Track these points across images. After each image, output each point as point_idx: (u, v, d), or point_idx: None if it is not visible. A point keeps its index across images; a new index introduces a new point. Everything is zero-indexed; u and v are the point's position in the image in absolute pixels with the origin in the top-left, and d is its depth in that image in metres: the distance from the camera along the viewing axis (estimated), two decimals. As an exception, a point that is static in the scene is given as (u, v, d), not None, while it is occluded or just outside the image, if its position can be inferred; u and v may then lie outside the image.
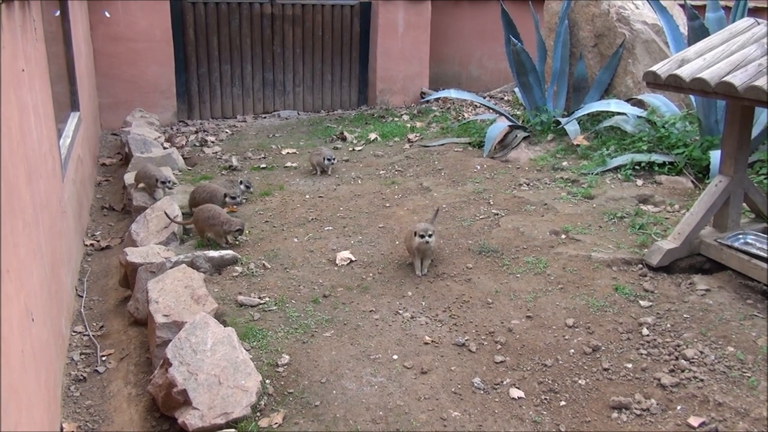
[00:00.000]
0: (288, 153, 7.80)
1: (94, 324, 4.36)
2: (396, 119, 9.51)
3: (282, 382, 3.37)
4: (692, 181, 5.75)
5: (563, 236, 4.91)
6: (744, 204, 4.49)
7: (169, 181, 5.86)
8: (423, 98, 10.48)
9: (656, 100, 6.71)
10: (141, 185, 5.93)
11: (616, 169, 6.10)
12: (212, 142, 8.36)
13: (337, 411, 3.15)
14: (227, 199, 5.52)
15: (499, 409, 3.18)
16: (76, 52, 6.36)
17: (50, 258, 3.62)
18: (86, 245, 5.49)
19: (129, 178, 6.20)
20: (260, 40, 9.75)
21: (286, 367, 3.50)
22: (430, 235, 4.34)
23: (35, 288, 3.00)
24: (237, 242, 5.04)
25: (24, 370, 2.49)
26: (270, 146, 8.15)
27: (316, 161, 6.85)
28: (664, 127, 6.25)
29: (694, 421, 2.99)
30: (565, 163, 6.47)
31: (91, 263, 5.22)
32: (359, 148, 7.94)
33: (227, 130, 9.03)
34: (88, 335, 4.21)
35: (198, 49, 9.39)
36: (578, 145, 6.69)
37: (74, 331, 4.24)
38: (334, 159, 6.83)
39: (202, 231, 5.03)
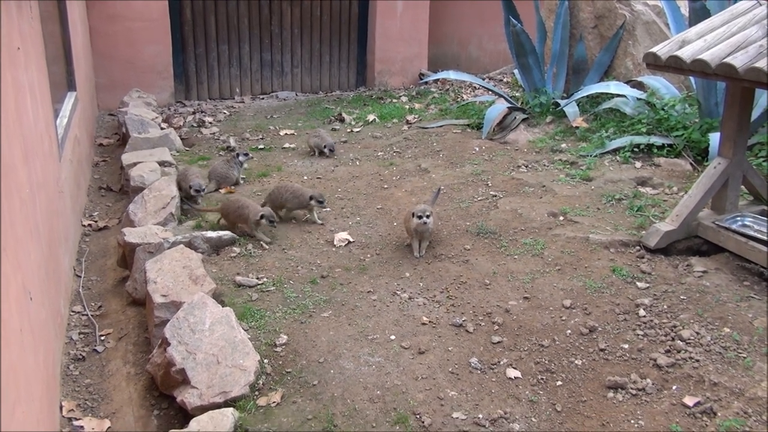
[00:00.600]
0: (286, 134, 7.78)
1: (93, 304, 4.37)
2: (394, 100, 9.46)
3: (280, 362, 3.39)
4: (691, 164, 5.74)
5: (561, 218, 4.91)
6: (742, 186, 4.49)
7: (201, 189, 5.52)
8: (422, 79, 10.42)
9: (656, 82, 6.68)
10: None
11: (615, 151, 6.09)
12: (210, 122, 8.32)
13: (335, 390, 3.17)
14: (312, 202, 5.07)
15: (496, 388, 3.20)
16: (72, 31, 6.30)
17: (48, 238, 3.61)
18: (84, 225, 5.49)
19: (127, 158, 6.17)
20: (258, 20, 9.67)
21: (284, 347, 3.51)
22: (428, 216, 4.34)
23: (33, 267, 3.00)
24: (272, 229, 4.79)
25: (22, 349, 2.50)
26: (268, 127, 8.11)
27: (314, 143, 6.83)
28: (663, 109, 6.23)
29: (689, 400, 3.02)
30: (563, 145, 6.46)
31: (89, 243, 5.22)
32: (357, 129, 7.91)
33: (225, 111, 8.98)
34: (87, 315, 4.22)
35: (195, 28, 9.32)
36: (577, 127, 6.67)
37: (73, 311, 4.24)
38: (333, 148, 6.77)
39: (234, 223, 4.87)
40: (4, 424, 2.05)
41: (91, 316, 4.21)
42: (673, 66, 4.02)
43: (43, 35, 4.49)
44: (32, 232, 3.10)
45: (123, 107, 7.83)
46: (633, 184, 5.46)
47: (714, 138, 5.44)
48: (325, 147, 6.74)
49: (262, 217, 4.68)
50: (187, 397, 3.04)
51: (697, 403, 3.00)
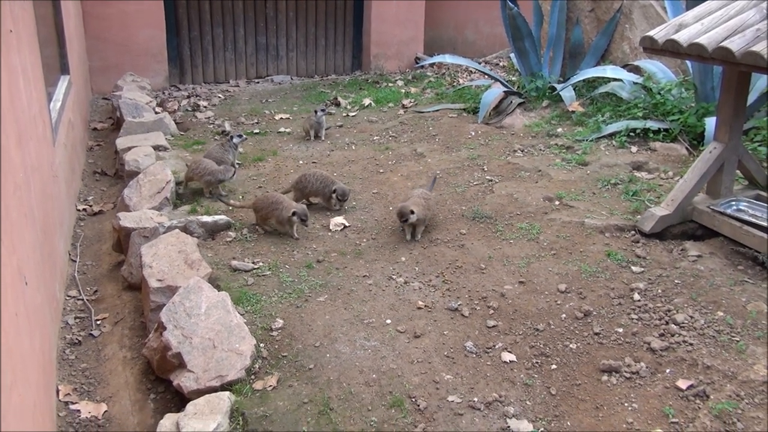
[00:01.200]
0: (281, 118, 7.74)
1: (88, 288, 4.36)
2: (390, 84, 9.42)
3: (276, 346, 3.40)
4: (687, 148, 5.74)
5: (557, 202, 4.92)
6: (738, 171, 4.50)
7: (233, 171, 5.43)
8: (417, 63, 10.37)
9: (653, 66, 6.66)
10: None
11: (611, 135, 6.09)
12: (205, 107, 8.28)
13: (331, 374, 3.18)
14: (334, 196, 4.98)
15: (491, 372, 3.22)
16: (65, 14, 6.24)
17: (42, 222, 3.60)
18: (79, 210, 5.47)
19: (121, 142, 6.14)
20: (253, 3, 9.58)
21: (280, 331, 3.52)
22: (412, 213, 4.36)
23: (28, 252, 2.99)
24: (305, 226, 4.64)
25: (18, 333, 2.50)
26: (263, 111, 8.08)
27: (309, 125, 6.81)
28: (659, 93, 6.22)
29: (682, 383, 3.04)
30: (559, 130, 6.45)
31: (84, 228, 5.21)
32: (353, 113, 7.88)
33: (220, 95, 8.93)
34: (83, 299, 4.22)
35: (190, 11, 9.23)
36: (573, 112, 6.65)
37: (68, 296, 4.24)
38: (323, 111, 6.87)
39: (266, 218, 4.69)
40: (1, 407, 2.06)
41: (87, 300, 4.21)
42: (669, 50, 4.01)
43: (36, 18, 4.44)
44: (27, 216, 3.09)
45: (117, 91, 7.78)
46: (629, 168, 5.46)
47: (710, 122, 5.44)
48: (316, 112, 6.80)
49: (294, 214, 4.53)
50: (184, 381, 3.05)
51: (690, 386, 3.02)
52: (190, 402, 2.89)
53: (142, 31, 8.80)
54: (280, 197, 4.68)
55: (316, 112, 6.79)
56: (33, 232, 3.23)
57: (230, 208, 5.04)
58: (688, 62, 6.27)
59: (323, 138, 6.82)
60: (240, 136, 6.08)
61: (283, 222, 4.58)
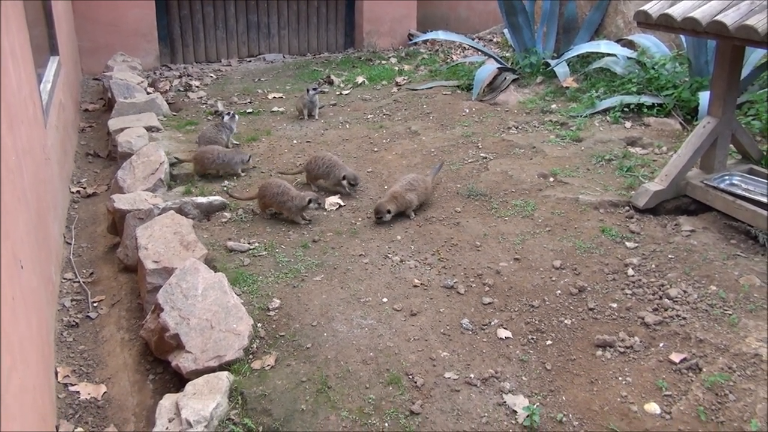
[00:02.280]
0: (274, 97, 7.70)
1: (84, 271, 4.37)
2: (383, 62, 9.36)
3: (273, 326, 3.42)
4: (680, 123, 5.74)
5: (551, 179, 4.92)
6: (731, 145, 4.51)
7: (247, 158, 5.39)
8: (411, 40, 10.29)
9: (646, 40, 6.63)
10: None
11: (605, 111, 6.08)
12: (197, 86, 8.22)
13: (329, 353, 3.21)
14: (344, 182, 4.90)
15: (487, 348, 3.25)
16: (53, -7, 6.15)
17: (36, 205, 3.59)
18: (72, 192, 5.45)
19: (113, 124, 6.10)
20: (243, -19, 9.48)
21: (277, 311, 3.54)
22: (388, 212, 4.42)
23: (22, 235, 2.98)
24: (320, 212, 4.62)
25: (15, 316, 2.50)
26: (256, 90, 8.02)
27: (302, 104, 6.77)
28: (653, 68, 6.20)
29: (675, 357, 3.08)
30: (554, 106, 6.43)
31: (78, 210, 5.19)
32: (346, 91, 7.83)
33: (212, 75, 8.86)
34: (79, 282, 4.22)
35: (179, -11, 9.12)
36: (567, 88, 6.63)
37: (64, 278, 4.24)
38: (316, 89, 6.81)
39: (268, 206, 4.61)
40: (1, 390, 2.07)
41: (83, 282, 4.21)
42: (663, 24, 3.99)
43: (23, -2, 4.38)
44: (20, 200, 3.07)
45: (108, 71, 7.71)
46: (623, 144, 5.46)
47: (704, 97, 5.43)
48: (308, 91, 6.74)
49: (309, 201, 4.47)
50: (182, 362, 3.07)
51: (684, 360, 3.06)
52: (189, 382, 2.91)
53: (132, 10, 8.69)
54: (286, 185, 4.55)
55: (308, 91, 6.75)
56: (27, 216, 3.22)
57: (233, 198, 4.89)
58: (682, 36, 6.24)
59: (317, 117, 6.79)
60: (229, 114, 6.02)
61: (297, 210, 4.49)
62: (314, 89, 6.78)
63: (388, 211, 4.41)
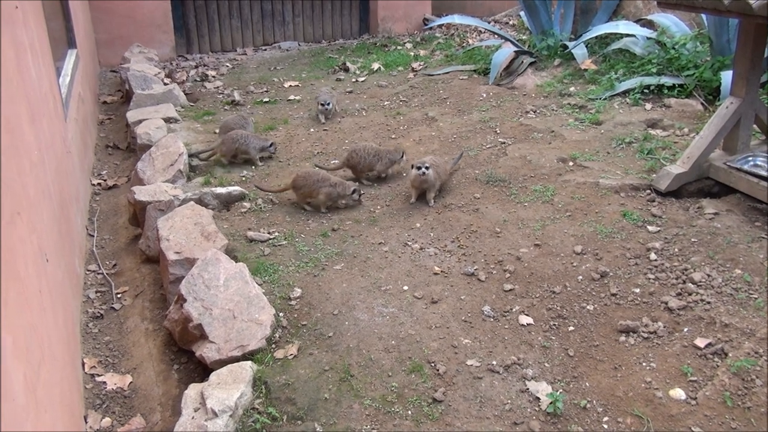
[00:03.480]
0: (290, 86, 7.69)
1: (107, 262, 4.42)
2: (399, 48, 9.30)
3: (295, 315, 3.44)
4: (702, 104, 5.65)
5: (571, 163, 4.88)
6: (755, 126, 4.43)
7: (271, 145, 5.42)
8: (426, 25, 10.21)
9: (666, 20, 6.52)
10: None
11: (625, 93, 6.00)
12: (213, 76, 8.23)
13: (350, 341, 3.22)
14: (402, 158, 4.97)
15: (509, 335, 3.24)
16: (69, -14, 6.18)
17: (59, 198, 3.63)
18: (93, 185, 5.50)
19: (131, 115, 6.14)
20: (257, -32, 9.45)
21: (298, 300, 3.56)
22: (427, 168, 4.34)
23: (47, 229, 3.02)
24: (357, 204, 4.62)
25: (42, 309, 2.54)
26: (272, 79, 8.02)
27: (317, 111, 6.45)
28: (674, 48, 6.10)
29: (700, 342, 3.05)
30: (572, 89, 6.36)
31: (100, 202, 5.25)
32: (362, 78, 7.80)
33: (228, 64, 8.87)
34: (102, 273, 4.27)
35: (193, -21, 9.12)
36: (586, 70, 6.55)
37: (88, 270, 4.30)
38: (329, 104, 6.32)
39: (307, 196, 4.54)
40: (31, 385, 2.11)
41: (107, 274, 4.26)
42: (684, 3, 3.92)
43: (40, -8, 4.40)
44: (44, 193, 3.11)
45: (125, 63, 7.74)
46: (643, 126, 5.39)
47: (726, 76, 5.34)
48: (319, 105, 6.33)
49: (354, 191, 4.51)
50: (206, 352, 3.10)
51: (709, 345, 3.03)
52: (213, 372, 2.94)
53: (147, 1, 8.71)
54: (324, 173, 4.56)
55: (319, 104, 6.30)
56: (50, 209, 3.25)
57: (264, 191, 4.81)
58: (703, 15, 6.12)
59: (330, 117, 6.57)
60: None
61: (336, 197, 4.51)
62: (327, 103, 6.31)
63: (428, 167, 4.36)
